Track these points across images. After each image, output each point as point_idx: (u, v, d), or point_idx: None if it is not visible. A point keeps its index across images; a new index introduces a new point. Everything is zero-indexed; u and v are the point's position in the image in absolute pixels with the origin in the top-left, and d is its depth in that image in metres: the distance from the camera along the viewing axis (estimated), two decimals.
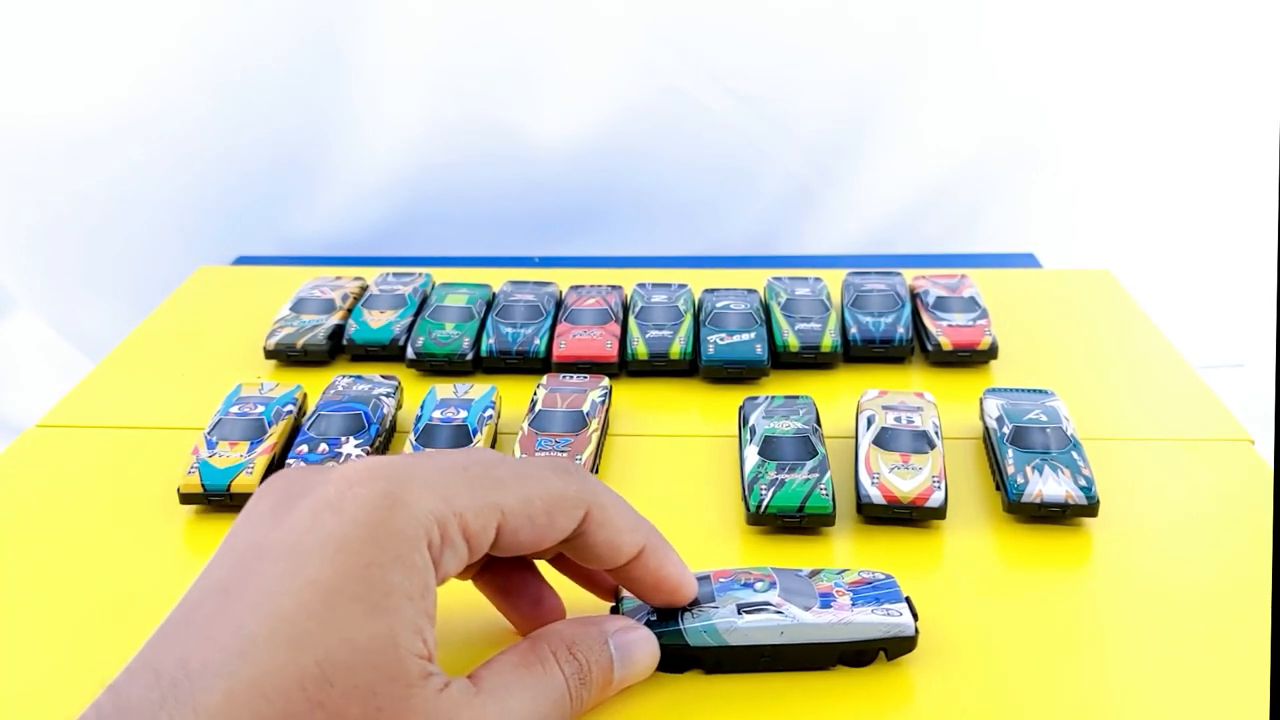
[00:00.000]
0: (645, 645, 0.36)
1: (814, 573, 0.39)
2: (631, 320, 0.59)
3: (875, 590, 0.38)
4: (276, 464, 0.48)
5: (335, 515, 0.30)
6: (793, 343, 0.57)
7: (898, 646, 0.37)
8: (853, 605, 0.37)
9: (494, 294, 0.63)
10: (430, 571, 0.30)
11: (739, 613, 0.37)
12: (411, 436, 0.49)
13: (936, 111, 0.87)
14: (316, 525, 0.30)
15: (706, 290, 0.62)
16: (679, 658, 0.37)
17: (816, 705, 0.36)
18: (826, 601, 0.37)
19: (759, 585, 0.38)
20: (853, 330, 0.58)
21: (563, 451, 0.48)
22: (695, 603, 0.37)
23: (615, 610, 0.38)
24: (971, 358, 0.57)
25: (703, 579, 0.38)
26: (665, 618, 0.37)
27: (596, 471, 0.49)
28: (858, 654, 0.37)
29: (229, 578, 0.30)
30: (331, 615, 0.29)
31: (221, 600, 0.29)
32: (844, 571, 0.39)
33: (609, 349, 0.57)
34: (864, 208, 0.89)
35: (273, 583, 0.29)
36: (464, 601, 0.39)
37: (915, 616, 0.38)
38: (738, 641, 0.36)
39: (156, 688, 0.28)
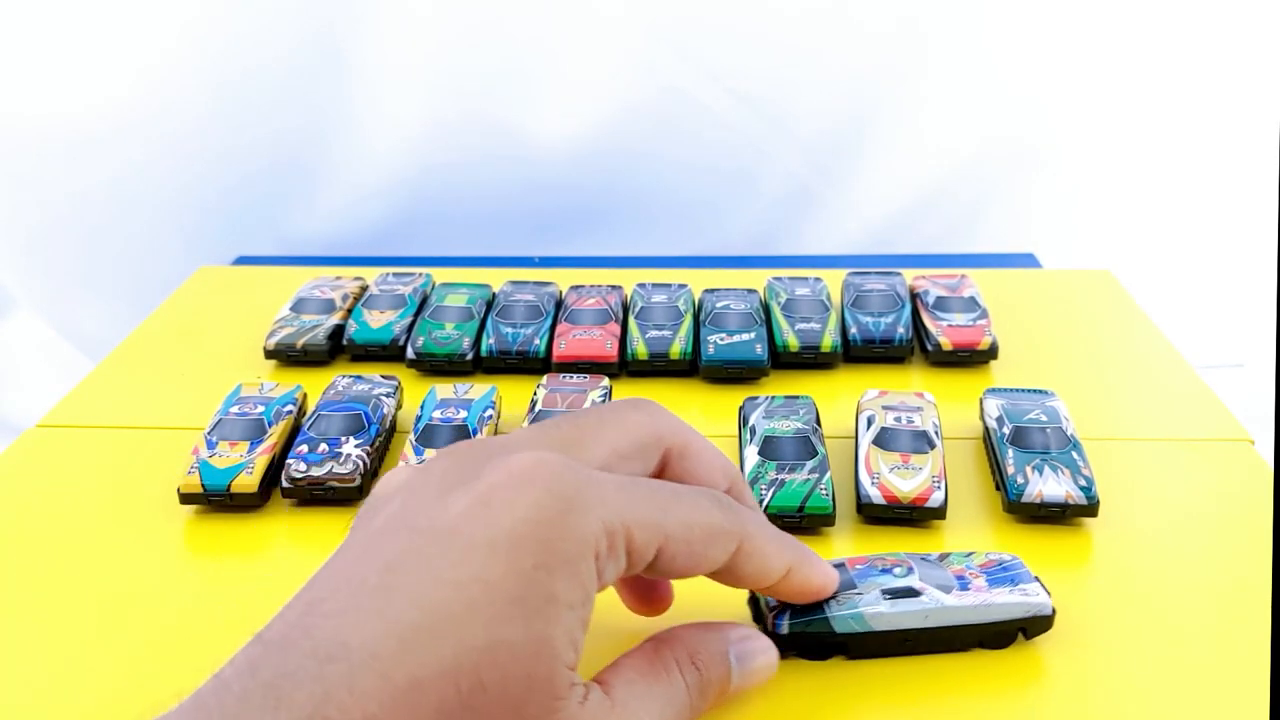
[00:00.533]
0: (765, 656, 0.35)
1: (943, 556, 0.39)
2: (631, 320, 0.59)
3: (1006, 571, 0.39)
4: (276, 464, 0.48)
5: (508, 510, 0.29)
6: (793, 343, 0.57)
7: (1037, 625, 0.38)
8: (989, 587, 0.38)
9: (494, 294, 0.63)
10: (594, 580, 0.30)
11: (883, 598, 0.37)
12: (411, 437, 0.49)
13: (936, 111, 0.87)
14: (489, 518, 0.29)
15: (706, 290, 0.62)
16: (824, 645, 0.37)
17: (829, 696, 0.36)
18: (964, 584, 0.38)
19: (898, 570, 0.38)
20: (853, 330, 0.58)
21: None
22: (836, 590, 0.37)
23: (754, 604, 0.38)
24: (971, 358, 0.57)
25: (838, 566, 0.38)
26: (810, 606, 0.37)
27: None
28: (998, 635, 0.38)
29: (396, 556, 0.29)
30: (494, 615, 0.28)
31: (385, 579, 0.29)
32: (971, 554, 0.40)
33: (609, 349, 0.57)
34: (864, 208, 0.89)
35: (441, 571, 0.28)
36: None
37: (1049, 595, 0.38)
38: (883, 626, 0.37)
39: (314, 658, 0.27)
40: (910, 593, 0.37)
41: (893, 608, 0.37)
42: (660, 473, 0.35)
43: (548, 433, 0.33)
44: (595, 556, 0.30)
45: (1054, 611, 0.38)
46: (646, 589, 0.38)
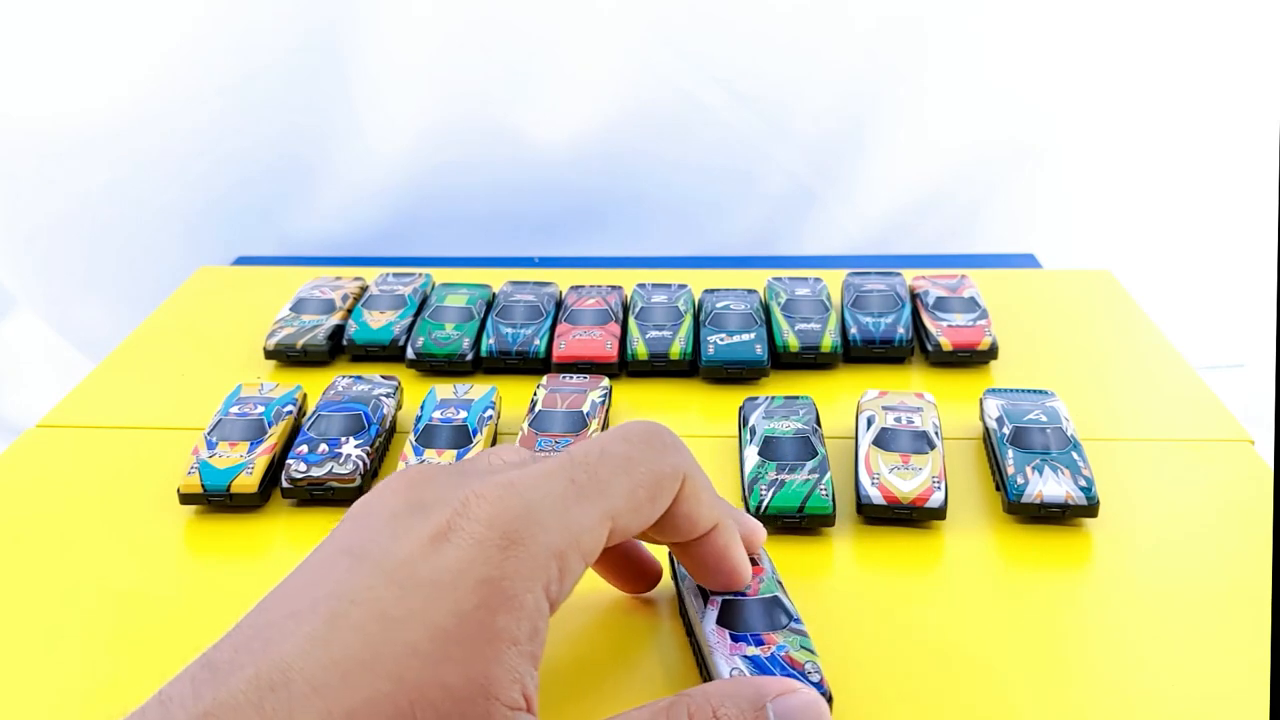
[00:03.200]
0: (812, 711, 0.32)
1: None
2: (631, 320, 0.59)
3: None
4: (276, 464, 0.49)
5: (454, 550, 0.29)
6: (793, 343, 0.57)
7: None
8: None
9: (494, 294, 0.63)
10: (543, 612, 0.30)
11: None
12: (411, 437, 0.49)
13: (936, 112, 0.87)
14: (434, 557, 0.29)
15: (706, 290, 0.62)
16: None
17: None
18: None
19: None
20: (853, 330, 0.58)
21: None
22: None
23: (675, 578, 0.38)
24: (971, 358, 0.57)
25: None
26: None
27: None
28: None
29: (344, 588, 0.29)
30: (433, 655, 0.28)
31: (333, 608, 0.29)
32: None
33: (609, 349, 0.57)
34: (864, 208, 0.89)
35: (386, 607, 0.28)
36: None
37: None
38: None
39: (255, 687, 0.27)
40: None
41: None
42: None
43: (567, 471, 0.32)
44: (545, 587, 0.30)
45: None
46: (627, 565, 0.38)
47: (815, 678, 0.35)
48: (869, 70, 0.84)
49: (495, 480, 0.31)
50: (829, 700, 0.34)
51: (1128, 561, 0.43)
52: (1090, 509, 0.44)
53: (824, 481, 0.45)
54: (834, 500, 0.45)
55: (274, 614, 0.29)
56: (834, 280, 0.63)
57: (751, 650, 0.36)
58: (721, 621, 0.37)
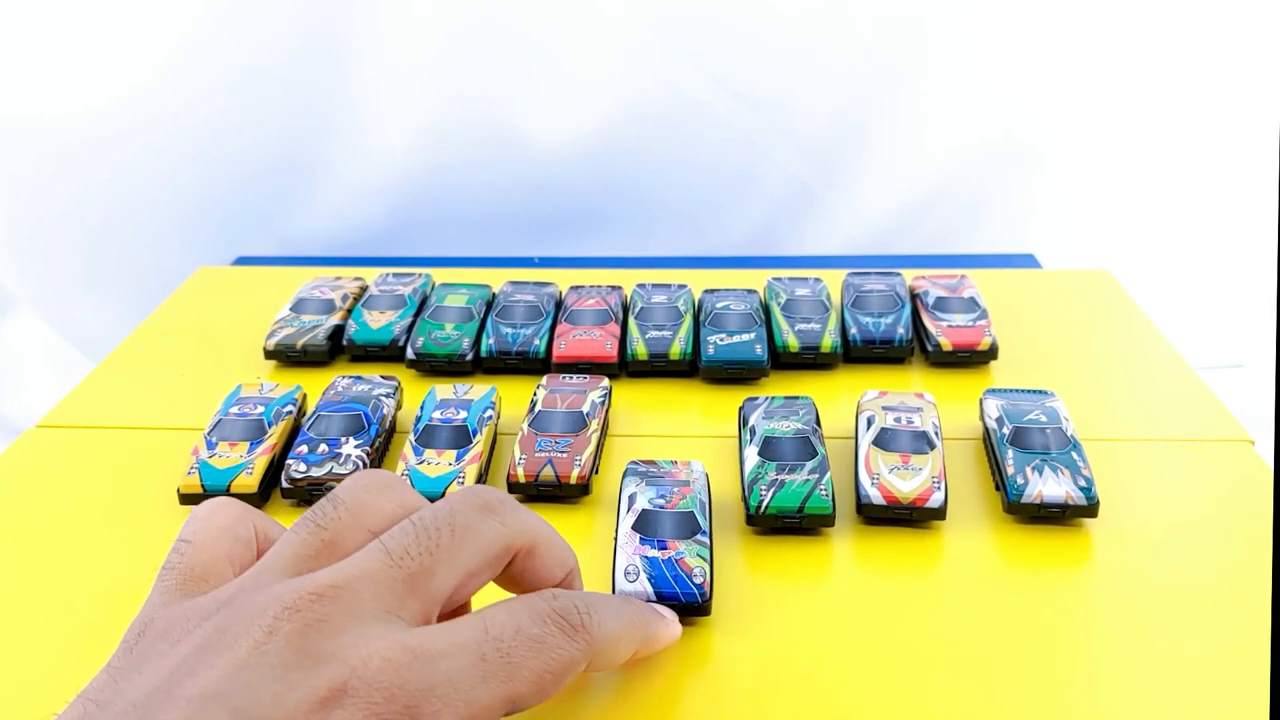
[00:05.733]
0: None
1: None
2: (631, 321, 0.59)
3: None
4: (276, 464, 0.49)
5: (345, 717, 0.27)
6: (793, 343, 0.57)
7: None
8: None
9: (494, 294, 0.63)
10: None
11: None
12: (411, 437, 0.49)
13: (936, 112, 0.87)
14: None
15: (706, 291, 0.62)
16: None
17: (820, 694, 0.36)
18: None
19: None
20: (853, 331, 0.58)
21: (562, 452, 0.48)
22: None
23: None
24: (971, 358, 0.57)
25: None
26: None
27: (596, 472, 0.49)
28: None
29: None
30: None
31: None
32: None
33: (609, 349, 0.57)
34: (864, 208, 0.89)
35: None
36: None
37: None
38: None
39: None
40: None
41: None
42: (504, 570, 0.34)
43: (400, 565, 0.30)
44: None
45: None
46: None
47: (699, 580, 0.39)
48: (869, 70, 0.84)
49: (402, 643, 0.29)
50: (705, 603, 0.39)
51: (1128, 561, 0.43)
52: (1090, 509, 0.44)
53: (824, 482, 0.45)
54: (834, 500, 0.45)
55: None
56: (834, 280, 0.63)
57: (652, 553, 0.40)
58: (636, 527, 0.41)
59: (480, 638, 0.30)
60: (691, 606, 0.39)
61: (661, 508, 0.42)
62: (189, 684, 0.27)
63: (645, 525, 0.41)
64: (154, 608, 0.31)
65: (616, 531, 0.42)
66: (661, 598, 0.39)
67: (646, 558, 0.40)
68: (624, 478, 0.45)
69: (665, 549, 0.40)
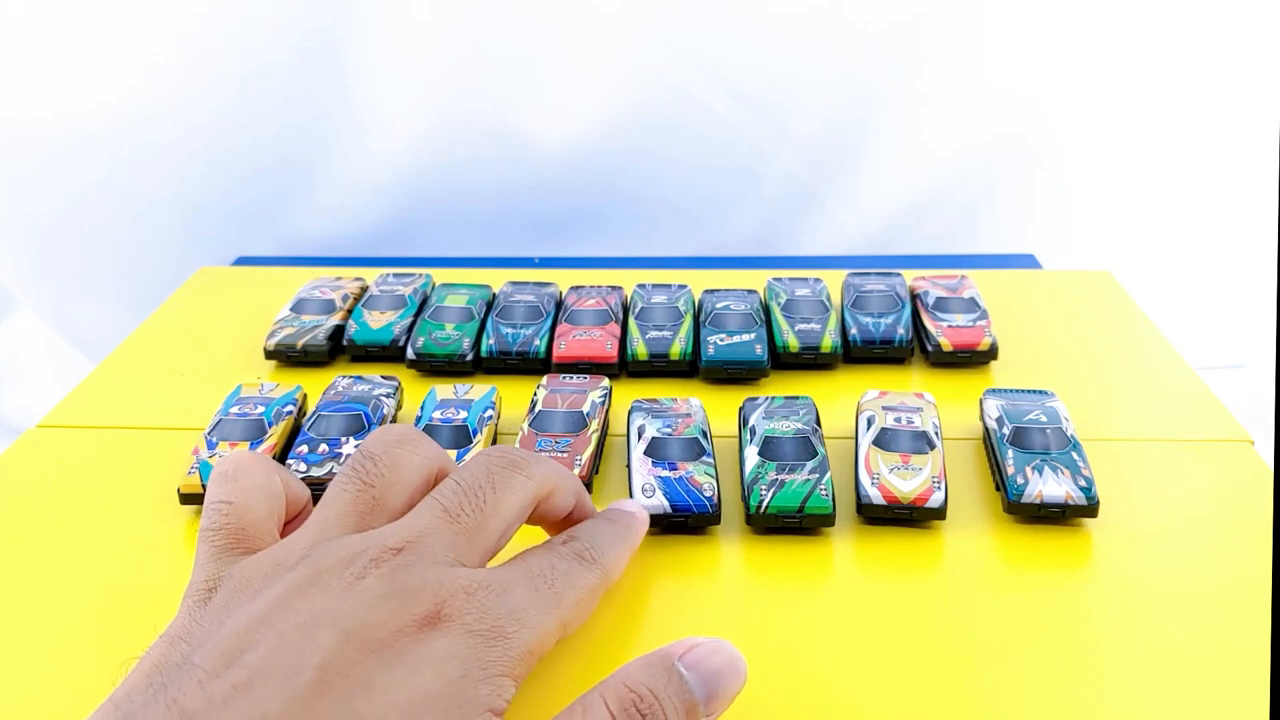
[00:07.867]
0: (718, 655, 0.33)
1: None
2: (631, 321, 0.59)
3: None
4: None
5: (444, 638, 0.30)
6: (793, 343, 0.57)
7: None
8: None
9: (494, 294, 0.63)
10: (509, 699, 0.31)
11: None
12: None
13: (936, 111, 0.87)
14: (424, 641, 0.30)
15: (706, 291, 0.62)
16: None
17: (819, 690, 0.36)
18: None
19: None
20: (853, 331, 0.58)
21: (563, 452, 0.48)
22: None
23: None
24: (971, 358, 0.57)
25: None
26: None
27: (597, 472, 0.49)
28: None
29: (327, 658, 0.29)
30: (412, 712, 0.29)
31: (317, 677, 0.28)
32: None
33: (609, 349, 0.57)
34: (864, 208, 0.89)
35: (372, 679, 0.29)
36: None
37: None
38: None
39: None
40: None
41: None
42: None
43: (458, 521, 0.35)
44: (516, 680, 0.31)
45: None
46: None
47: (708, 493, 0.44)
48: (869, 70, 0.84)
49: (477, 579, 0.32)
50: (715, 511, 0.44)
51: (1128, 561, 0.44)
52: (1090, 509, 0.44)
53: (824, 481, 0.45)
54: (834, 500, 0.45)
55: (255, 670, 0.29)
56: (834, 280, 0.63)
57: (664, 473, 0.45)
58: (648, 452, 0.46)
59: (530, 575, 0.34)
60: (704, 515, 0.44)
61: (669, 435, 0.47)
62: (290, 615, 0.30)
63: (656, 450, 0.46)
64: (217, 565, 0.34)
65: (629, 457, 0.47)
66: (676, 509, 0.44)
67: (660, 477, 0.45)
68: (630, 414, 0.50)
69: (675, 469, 0.45)
